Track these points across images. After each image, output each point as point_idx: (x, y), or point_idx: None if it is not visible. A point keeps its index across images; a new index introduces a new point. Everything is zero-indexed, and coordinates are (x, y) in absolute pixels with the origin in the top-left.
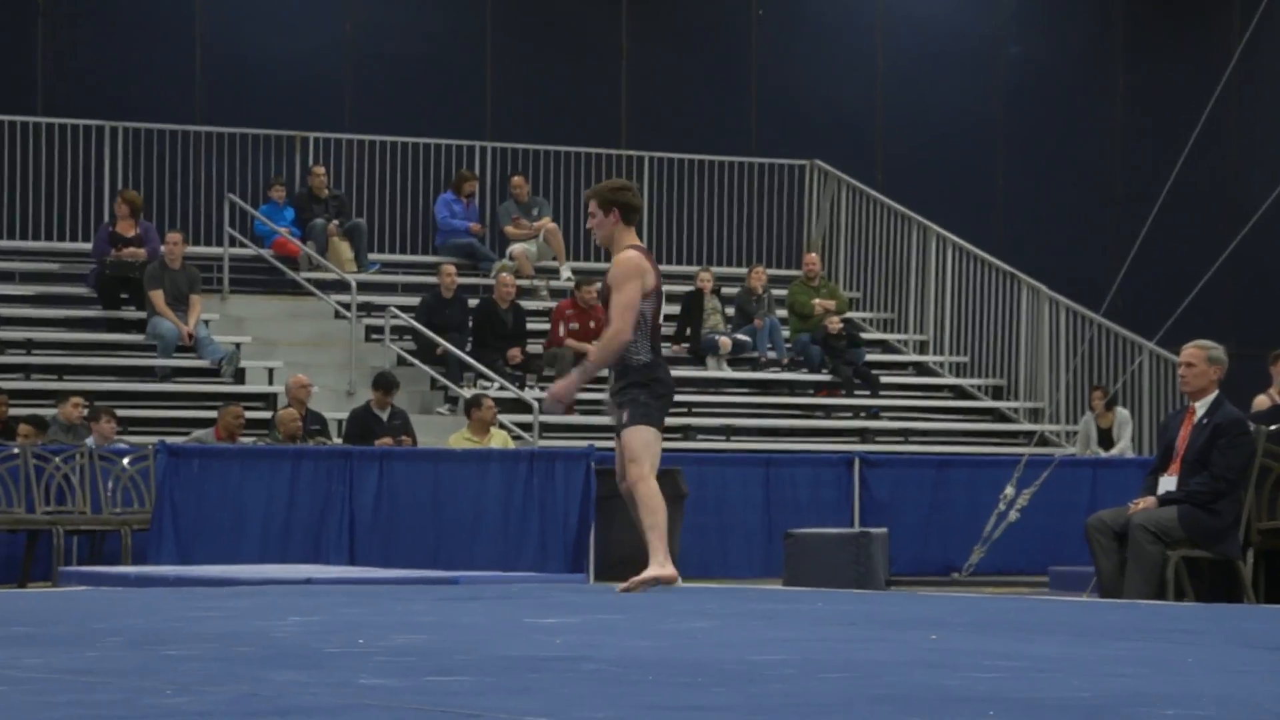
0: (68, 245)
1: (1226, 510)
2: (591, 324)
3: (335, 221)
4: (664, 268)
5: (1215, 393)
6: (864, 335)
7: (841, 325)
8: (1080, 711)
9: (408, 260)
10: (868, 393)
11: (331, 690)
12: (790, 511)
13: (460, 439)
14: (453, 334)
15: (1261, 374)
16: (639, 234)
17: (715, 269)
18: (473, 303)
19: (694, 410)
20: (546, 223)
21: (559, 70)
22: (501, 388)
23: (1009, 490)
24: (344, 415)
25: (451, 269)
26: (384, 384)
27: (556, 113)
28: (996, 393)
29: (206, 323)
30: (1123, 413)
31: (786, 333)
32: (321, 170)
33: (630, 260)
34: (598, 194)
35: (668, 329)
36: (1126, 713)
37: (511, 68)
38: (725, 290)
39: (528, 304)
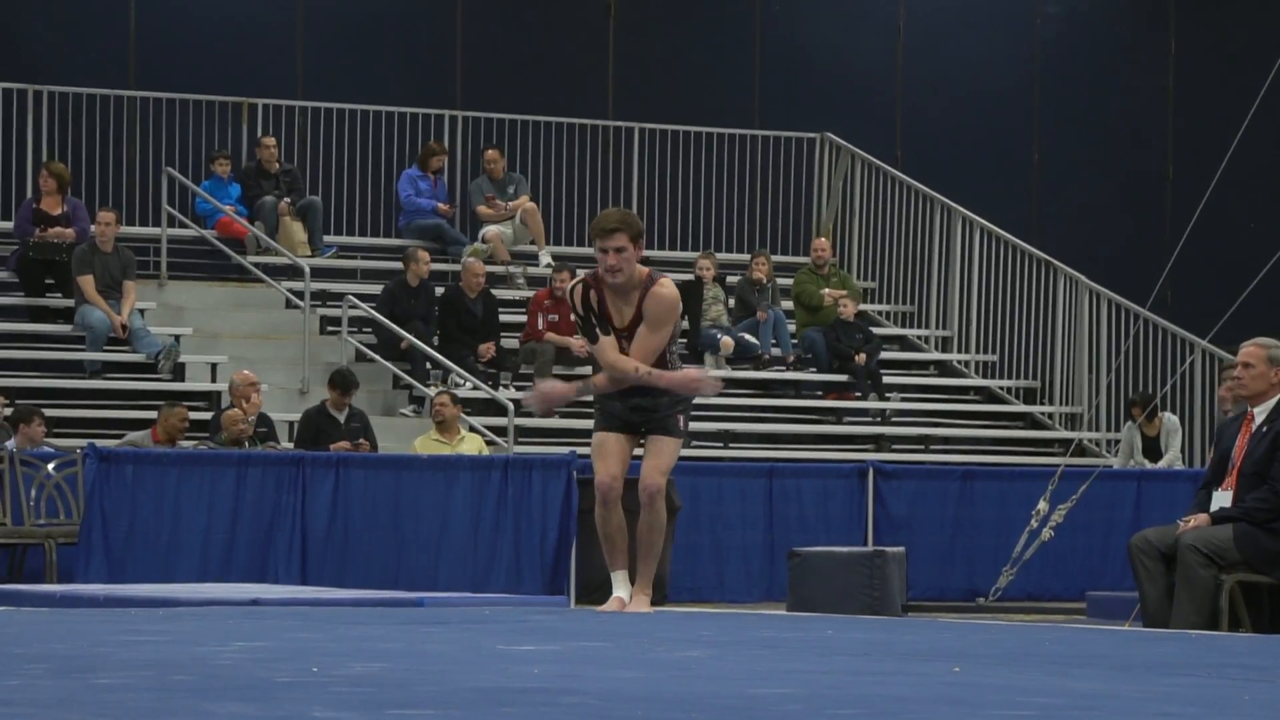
0: None
1: None
2: (572, 316)
3: (286, 199)
4: (657, 254)
5: (1277, 397)
6: (881, 330)
7: (855, 313)
8: None
9: (368, 243)
10: (874, 394)
11: None
12: (795, 528)
13: (427, 441)
14: (418, 325)
15: None
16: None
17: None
18: (439, 291)
19: (688, 413)
20: (524, 202)
21: (539, 31)
22: (474, 387)
23: (1042, 505)
24: (295, 417)
25: (425, 254)
26: (341, 382)
27: (536, 79)
28: (1029, 396)
29: (142, 312)
30: (1171, 419)
31: (792, 327)
32: (271, 142)
33: (674, 298)
34: (630, 226)
35: None
36: None
37: (485, 27)
38: (724, 279)
39: (501, 293)
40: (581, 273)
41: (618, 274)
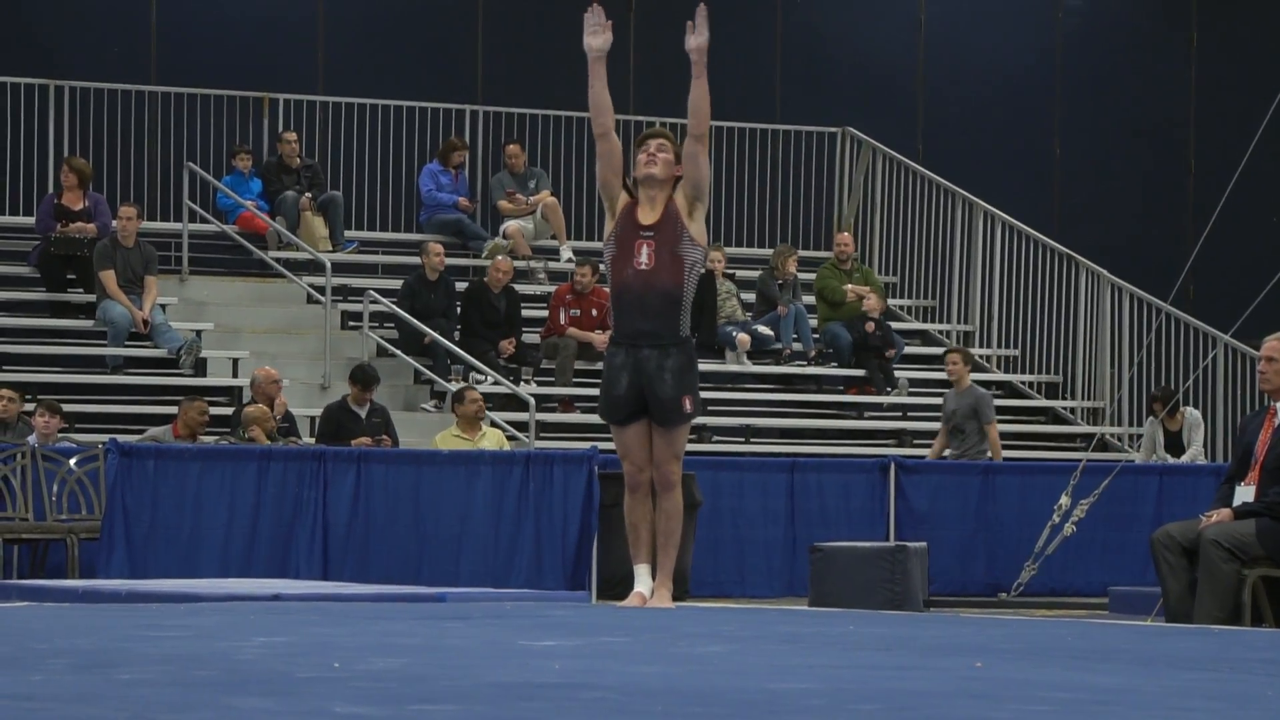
0: (7, 219)
1: None
2: (594, 311)
3: (308, 194)
4: None
5: None
6: (902, 325)
7: (884, 307)
8: None
9: (389, 238)
10: (889, 389)
11: (302, 719)
12: (816, 523)
13: (448, 437)
14: (438, 320)
15: None
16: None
17: (735, 249)
18: (461, 286)
19: (709, 408)
20: (545, 197)
21: (560, 25)
22: (495, 382)
23: (1064, 500)
24: (317, 412)
25: (439, 248)
26: (362, 377)
27: (556, 73)
28: (1051, 391)
29: (163, 307)
30: (1193, 414)
31: (813, 322)
32: (293, 137)
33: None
34: (672, 140)
35: None
36: None
37: (506, 22)
38: (744, 274)
39: (523, 288)
40: (602, 267)
41: (652, 163)
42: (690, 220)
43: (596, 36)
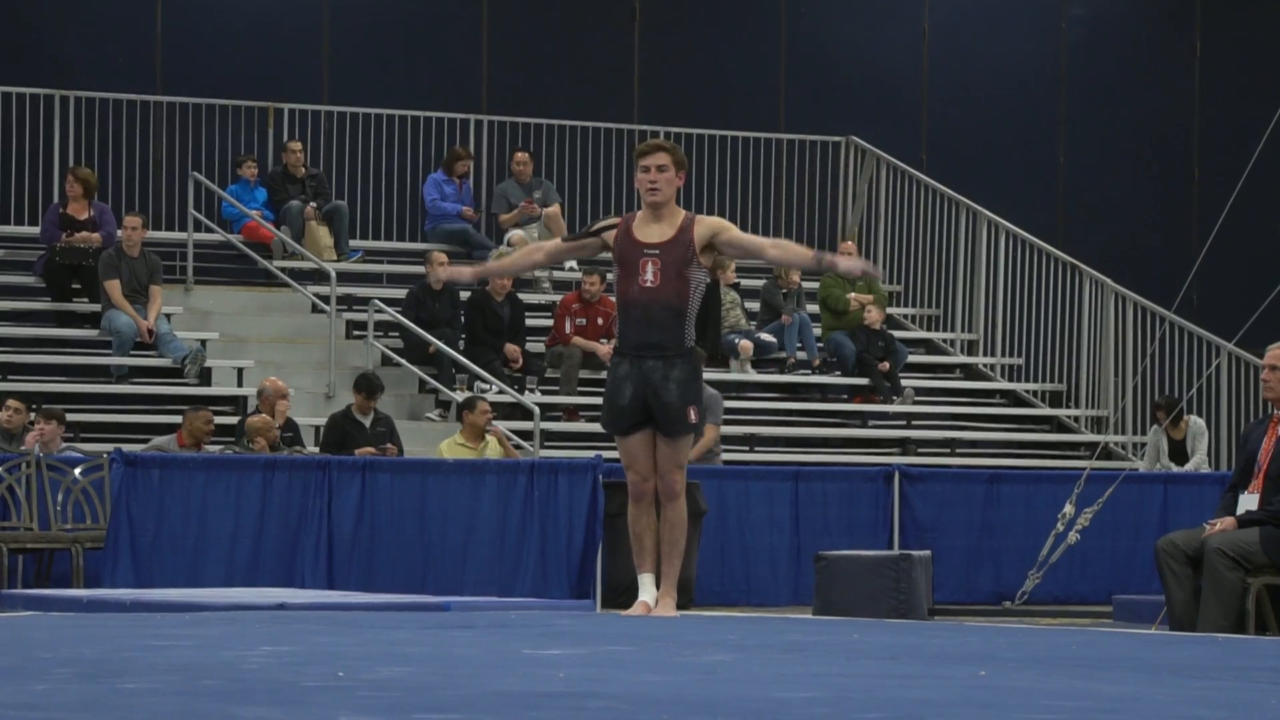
0: (12, 229)
1: None
2: (599, 320)
3: (313, 204)
4: None
5: None
6: (906, 334)
7: (884, 318)
8: None
9: (393, 248)
10: (896, 397)
11: None
12: (821, 531)
13: (452, 445)
14: (443, 329)
15: None
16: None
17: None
18: (465, 295)
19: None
20: (554, 211)
21: (564, 35)
22: (500, 391)
23: (1068, 509)
24: (321, 421)
25: (443, 257)
26: (366, 386)
27: (561, 83)
28: (1055, 399)
29: (168, 317)
30: (1197, 422)
31: (817, 330)
32: (298, 146)
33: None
34: (672, 151)
35: None
36: None
37: (511, 31)
38: (748, 283)
39: (527, 297)
40: (610, 277)
41: (656, 191)
42: (701, 254)
43: (462, 277)
